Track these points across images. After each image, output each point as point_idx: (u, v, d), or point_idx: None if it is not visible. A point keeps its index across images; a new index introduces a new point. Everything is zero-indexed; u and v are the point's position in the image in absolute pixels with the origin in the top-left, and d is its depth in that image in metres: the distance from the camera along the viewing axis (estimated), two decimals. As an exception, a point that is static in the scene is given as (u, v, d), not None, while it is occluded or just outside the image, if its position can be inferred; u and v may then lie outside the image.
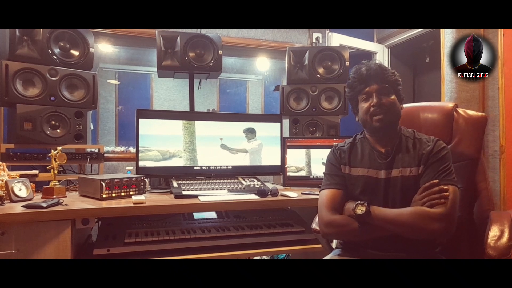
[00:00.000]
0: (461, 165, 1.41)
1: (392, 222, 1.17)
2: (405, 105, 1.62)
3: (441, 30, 2.58)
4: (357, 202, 1.21)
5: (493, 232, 1.23)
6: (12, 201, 1.59)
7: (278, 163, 2.31)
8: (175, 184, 1.96)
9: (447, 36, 2.49)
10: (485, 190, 1.45)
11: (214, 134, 2.23)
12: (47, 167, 1.81)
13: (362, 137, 1.39)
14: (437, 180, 1.18)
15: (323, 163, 2.23)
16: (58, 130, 2.04)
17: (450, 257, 1.32)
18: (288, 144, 2.31)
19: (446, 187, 1.17)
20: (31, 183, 1.74)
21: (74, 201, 1.66)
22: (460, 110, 1.51)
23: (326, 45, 3.15)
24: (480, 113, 1.50)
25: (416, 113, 1.58)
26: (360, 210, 1.18)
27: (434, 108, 1.58)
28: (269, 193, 1.87)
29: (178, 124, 2.17)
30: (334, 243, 1.57)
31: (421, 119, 1.56)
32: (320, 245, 1.77)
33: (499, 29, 2.36)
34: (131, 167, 2.27)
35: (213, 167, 2.20)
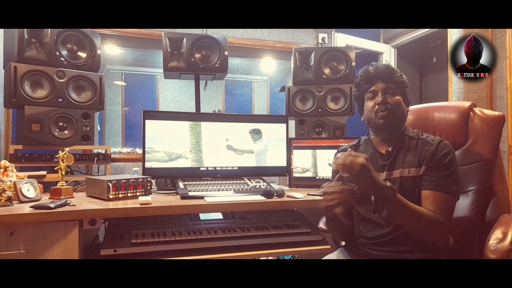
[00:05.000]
0: (476, 166, 1.38)
1: (413, 212, 1.13)
2: (418, 106, 1.62)
3: (449, 30, 2.56)
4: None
5: (496, 234, 1.20)
6: (21, 202, 1.60)
7: (284, 164, 2.30)
8: (181, 185, 1.96)
9: (454, 36, 2.47)
10: (501, 192, 1.40)
11: (220, 135, 2.23)
12: (55, 168, 1.82)
13: (367, 139, 1.40)
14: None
15: (329, 164, 2.23)
16: (66, 131, 2.06)
17: (463, 258, 1.29)
18: (294, 145, 2.31)
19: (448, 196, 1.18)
20: (39, 184, 1.75)
21: (82, 202, 1.67)
22: (477, 110, 1.46)
23: (332, 45, 3.14)
24: (497, 113, 1.45)
25: (430, 113, 1.54)
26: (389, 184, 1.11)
27: (450, 108, 1.53)
28: (275, 194, 1.87)
29: (184, 125, 2.18)
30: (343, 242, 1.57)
31: (435, 119, 1.53)
32: (326, 246, 1.77)
33: (508, 29, 2.33)
34: (138, 168, 2.28)
35: (219, 168, 2.21)
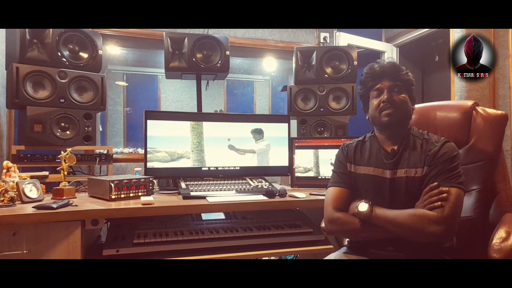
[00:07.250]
0: (479, 165, 1.38)
1: (392, 223, 1.16)
2: (421, 105, 1.61)
3: (451, 29, 2.55)
4: (361, 201, 1.21)
5: (500, 234, 1.20)
6: (23, 202, 1.60)
7: (286, 163, 2.30)
8: (183, 185, 1.96)
9: (456, 35, 2.46)
10: (504, 191, 1.40)
11: (221, 135, 2.23)
12: (57, 169, 1.83)
13: (372, 136, 1.39)
14: (436, 183, 1.16)
15: (331, 164, 2.21)
16: (68, 132, 2.06)
17: (465, 258, 1.29)
18: (296, 144, 2.30)
19: (446, 189, 1.14)
20: (42, 184, 1.75)
21: (84, 202, 1.67)
22: (479, 109, 1.46)
23: (334, 44, 3.14)
24: (499, 112, 1.45)
25: (433, 112, 1.54)
26: (363, 208, 1.19)
27: (452, 107, 1.53)
28: (277, 194, 1.86)
29: (186, 125, 2.18)
30: (346, 242, 1.56)
31: (437, 119, 1.53)
32: (328, 246, 1.77)
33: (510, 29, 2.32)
34: (140, 168, 2.28)
35: (221, 168, 2.21)
